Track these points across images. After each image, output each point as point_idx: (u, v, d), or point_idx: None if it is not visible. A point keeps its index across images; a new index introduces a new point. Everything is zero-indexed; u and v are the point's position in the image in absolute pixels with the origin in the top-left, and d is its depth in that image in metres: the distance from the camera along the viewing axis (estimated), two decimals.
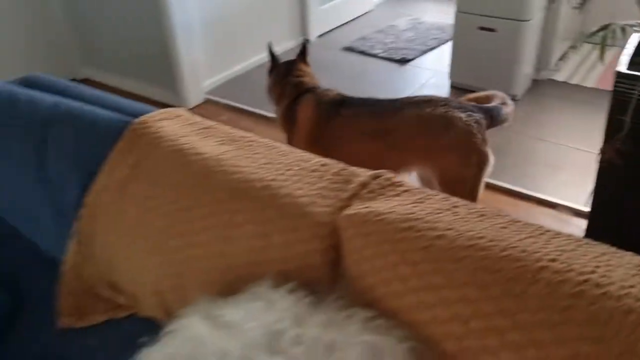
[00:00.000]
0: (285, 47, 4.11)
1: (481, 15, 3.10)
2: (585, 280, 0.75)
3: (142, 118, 1.29)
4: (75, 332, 1.21)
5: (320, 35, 4.34)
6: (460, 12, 3.18)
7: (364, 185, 1.06)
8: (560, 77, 3.50)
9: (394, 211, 0.96)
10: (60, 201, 1.29)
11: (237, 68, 3.72)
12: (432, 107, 2.02)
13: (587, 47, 3.90)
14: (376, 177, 1.08)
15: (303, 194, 1.04)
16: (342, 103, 2.20)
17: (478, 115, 1.99)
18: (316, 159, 1.16)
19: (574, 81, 3.45)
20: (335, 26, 4.49)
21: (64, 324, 1.22)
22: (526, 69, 3.27)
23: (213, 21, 3.39)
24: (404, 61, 3.85)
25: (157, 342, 0.91)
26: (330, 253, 0.99)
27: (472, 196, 2.06)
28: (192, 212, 1.07)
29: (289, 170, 1.11)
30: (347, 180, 1.09)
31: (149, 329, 0.95)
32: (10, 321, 1.27)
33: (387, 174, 1.09)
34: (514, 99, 3.29)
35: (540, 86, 3.43)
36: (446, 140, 2.02)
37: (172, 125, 1.29)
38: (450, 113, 1.98)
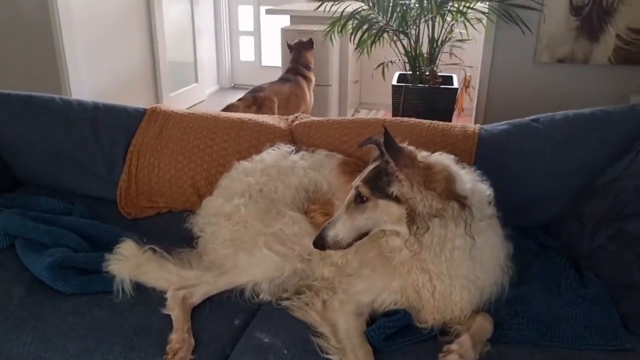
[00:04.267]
0: None
1: None
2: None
3: (154, 105, 2.12)
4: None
5: None
6: None
7: (296, 117, 2.07)
8: None
9: (317, 119, 1.99)
10: (110, 156, 2.01)
11: None
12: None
13: (364, 112, 5.48)
14: (299, 115, 2.10)
15: (272, 123, 2.00)
16: None
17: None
18: (267, 115, 2.13)
19: None
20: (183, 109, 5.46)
21: (131, 217, 1.91)
22: None
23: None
24: None
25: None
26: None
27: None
28: (215, 135, 1.94)
29: (259, 117, 2.06)
30: (287, 118, 2.09)
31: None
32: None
33: (303, 114, 2.12)
34: None
35: None
36: None
37: (173, 107, 2.14)
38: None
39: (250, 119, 1.99)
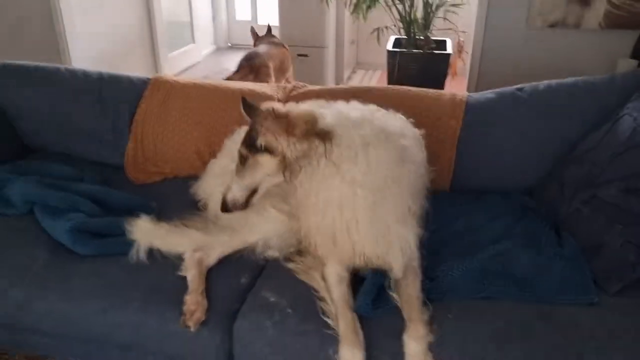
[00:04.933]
0: None
1: (297, 46, 4.44)
2: None
3: (158, 74, 2.19)
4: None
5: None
6: None
7: (293, 87, 2.15)
8: None
9: (313, 89, 2.07)
10: (116, 125, 2.10)
11: None
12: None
13: (361, 72, 5.52)
14: (297, 84, 2.18)
15: (271, 93, 2.08)
16: None
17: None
18: (266, 84, 2.21)
19: None
20: (181, 70, 5.48)
21: (139, 182, 2.02)
22: (330, 84, 4.65)
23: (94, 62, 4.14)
24: None
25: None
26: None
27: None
28: (215, 104, 2.03)
29: (258, 86, 2.14)
30: (285, 87, 2.17)
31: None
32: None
33: (300, 83, 2.19)
34: None
35: None
36: None
37: (176, 77, 2.21)
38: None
39: (249, 89, 2.07)
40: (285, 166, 1.34)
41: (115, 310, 1.43)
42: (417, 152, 1.52)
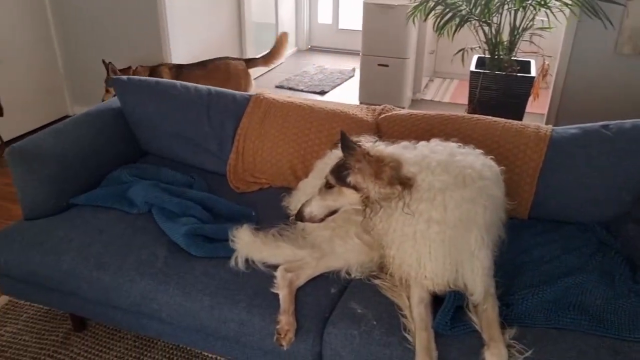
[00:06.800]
0: None
1: (378, 56, 4.58)
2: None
3: (258, 92, 2.41)
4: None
5: (255, 78, 5.57)
6: (364, 55, 4.63)
7: (382, 109, 2.30)
8: (427, 97, 5.09)
9: (401, 113, 2.21)
10: (220, 137, 2.33)
11: None
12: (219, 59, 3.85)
13: (438, 80, 5.57)
14: (385, 107, 2.32)
15: (361, 116, 2.24)
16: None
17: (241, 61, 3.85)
18: (357, 105, 2.37)
19: (436, 99, 5.04)
20: (264, 72, 5.75)
21: (239, 191, 2.25)
22: (407, 92, 4.77)
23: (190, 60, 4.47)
24: (322, 93, 5.20)
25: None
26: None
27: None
28: (311, 125, 2.21)
29: (349, 107, 2.31)
30: (374, 109, 2.32)
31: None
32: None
33: (389, 105, 2.34)
34: None
35: (416, 103, 4.97)
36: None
37: (274, 95, 2.42)
38: (229, 61, 3.84)
39: (341, 111, 2.24)
40: (367, 204, 1.51)
41: (223, 308, 1.65)
42: (495, 190, 1.62)
